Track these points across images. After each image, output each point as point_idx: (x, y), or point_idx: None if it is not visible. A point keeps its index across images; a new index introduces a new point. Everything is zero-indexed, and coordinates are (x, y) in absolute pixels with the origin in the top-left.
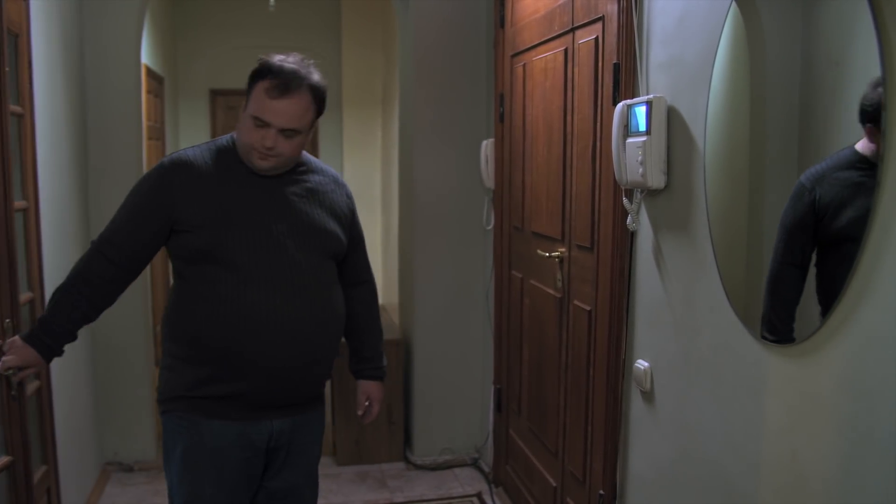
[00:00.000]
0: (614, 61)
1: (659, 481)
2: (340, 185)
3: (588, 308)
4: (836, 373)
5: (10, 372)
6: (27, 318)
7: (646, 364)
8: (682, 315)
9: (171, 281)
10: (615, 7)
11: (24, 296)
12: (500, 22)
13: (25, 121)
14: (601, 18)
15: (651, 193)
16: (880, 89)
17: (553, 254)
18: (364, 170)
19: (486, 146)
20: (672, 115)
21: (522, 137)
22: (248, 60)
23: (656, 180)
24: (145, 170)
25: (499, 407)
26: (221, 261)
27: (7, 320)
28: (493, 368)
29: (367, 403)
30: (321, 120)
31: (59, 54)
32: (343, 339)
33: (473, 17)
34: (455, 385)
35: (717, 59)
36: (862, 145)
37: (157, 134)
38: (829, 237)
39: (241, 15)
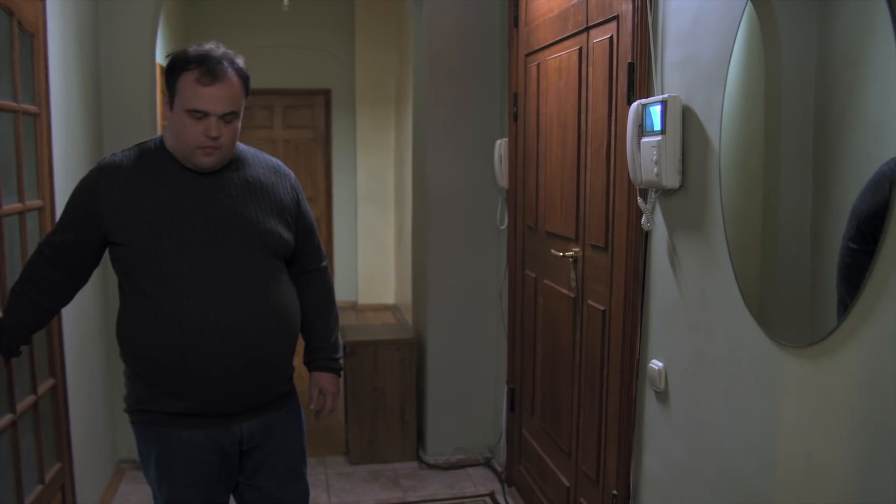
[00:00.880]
0: (629, 60)
1: (673, 481)
2: (282, 176)
3: (602, 308)
4: (853, 373)
5: None
6: None
7: (660, 364)
8: (696, 315)
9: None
10: (630, 6)
11: None
12: (514, 21)
13: (41, 120)
14: (616, 18)
15: (666, 193)
16: None
17: (567, 253)
18: (377, 169)
19: (500, 145)
20: (687, 115)
21: (536, 137)
22: (263, 60)
23: (671, 180)
24: None
25: (512, 407)
26: (158, 272)
27: None
28: (506, 368)
29: (318, 396)
30: (334, 119)
31: (75, 54)
32: None
33: (487, 17)
34: (468, 385)
35: (732, 59)
36: None
37: None
38: None
39: (255, 15)
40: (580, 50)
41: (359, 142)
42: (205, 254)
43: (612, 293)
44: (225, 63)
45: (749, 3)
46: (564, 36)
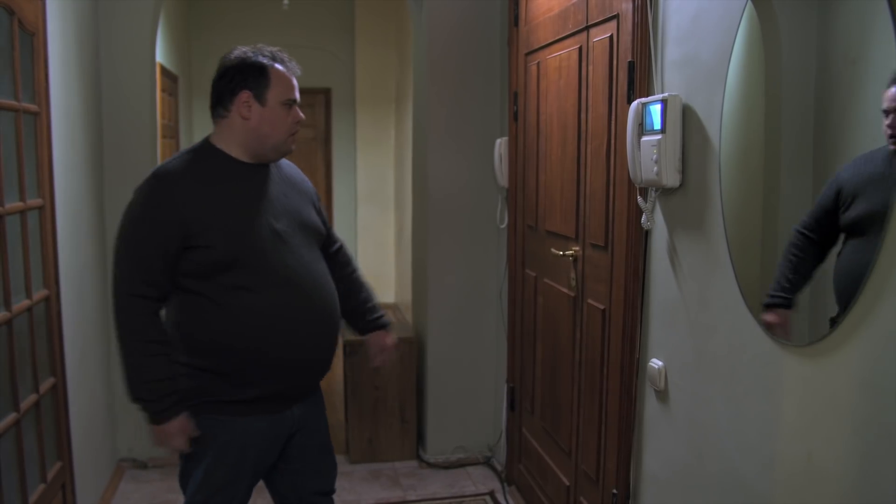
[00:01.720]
0: (629, 59)
1: (673, 481)
2: (299, 170)
3: (602, 307)
4: (853, 372)
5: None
6: (42, 315)
7: (660, 363)
8: (696, 314)
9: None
10: (630, 5)
11: (39, 294)
12: (515, 20)
13: (41, 119)
14: (616, 17)
15: (666, 192)
16: None
17: (567, 252)
18: (377, 168)
19: (500, 144)
20: (687, 114)
21: (536, 136)
22: None
23: (671, 179)
24: None
25: (512, 406)
26: (240, 269)
27: None
28: (506, 367)
29: (381, 353)
30: (334, 118)
31: (75, 53)
32: None
33: (487, 16)
34: (468, 384)
35: (732, 58)
36: None
37: (172, 132)
38: (846, 229)
39: (255, 14)
40: (580, 49)
41: (359, 141)
42: (278, 246)
43: (612, 292)
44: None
45: (749, 2)
46: (564, 35)
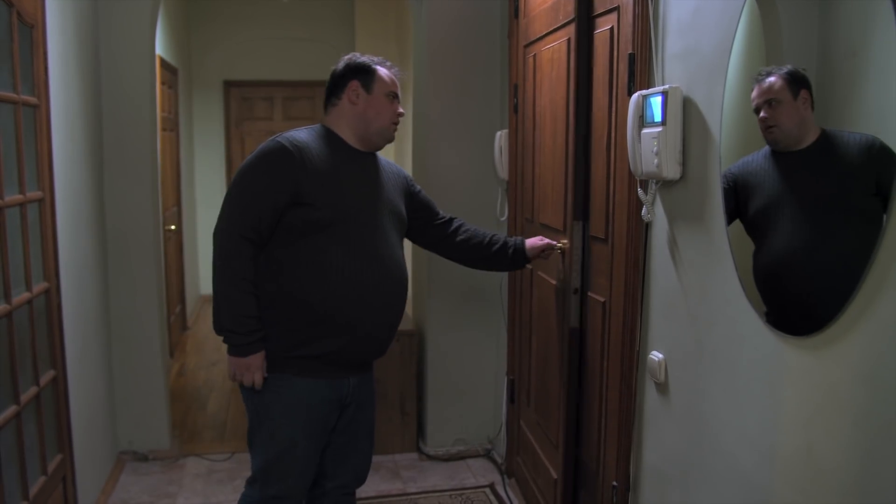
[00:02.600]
0: (629, 52)
1: (673, 473)
2: (393, 163)
3: (602, 299)
4: (854, 364)
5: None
6: (42, 308)
7: (660, 355)
8: (696, 306)
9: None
10: None
11: (39, 286)
12: (515, 12)
13: (41, 112)
14: (616, 8)
15: (666, 184)
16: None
17: (556, 246)
18: None
19: (500, 137)
20: (688, 106)
21: (532, 128)
22: (262, 52)
23: (671, 171)
24: (160, 160)
25: (512, 398)
26: (335, 232)
27: None
28: (506, 360)
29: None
30: None
31: (74, 46)
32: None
33: (486, 9)
34: (468, 376)
35: (733, 50)
36: None
37: (171, 125)
38: (749, 227)
39: (255, 6)
40: (568, 41)
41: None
42: (370, 221)
43: (612, 284)
44: None
45: None
46: (556, 27)
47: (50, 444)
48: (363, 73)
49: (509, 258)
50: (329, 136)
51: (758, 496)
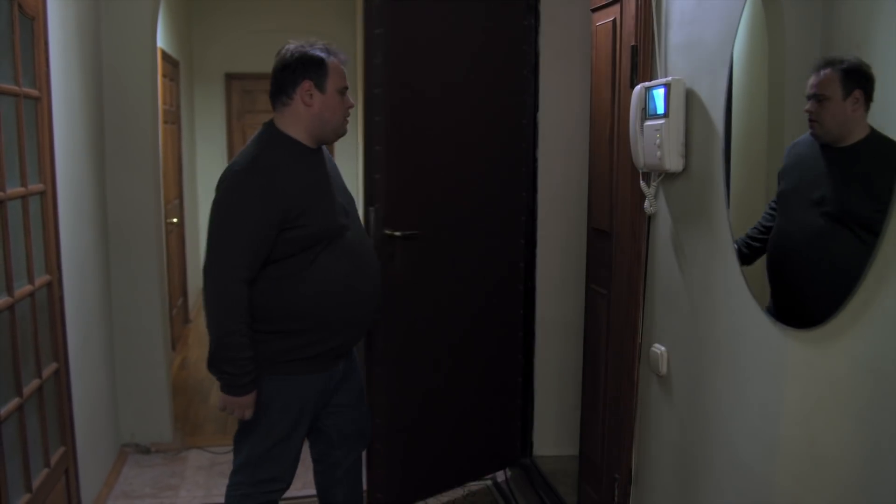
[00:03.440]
0: (632, 44)
1: (675, 465)
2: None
3: (604, 292)
4: (856, 357)
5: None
6: (44, 301)
7: (662, 348)
8: (699, 299)
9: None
10: None
11: (41, 279)
12: None
13: (42, 104)
14: (619, 0)
15: (669, 177)
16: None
17: None
18: None
19: None
20: (691, 98)
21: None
22: (264, 45)
23: (674, 163)
24: (161, 153)
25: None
26: (319, 241)
27: None
28: None
29: None
30: None
31: (75, 38)
32: None
33: None
34: None
35: (736, 42)
36: None
37: (173, 118)
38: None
39: None
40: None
41: (360, 126)
42: (342, 220)
43: (614, 277)
44: None
45: None
46: None
47: (52, 436)
48: (315, 69)
49: None
50: (284, 143)
51: (759, 488)
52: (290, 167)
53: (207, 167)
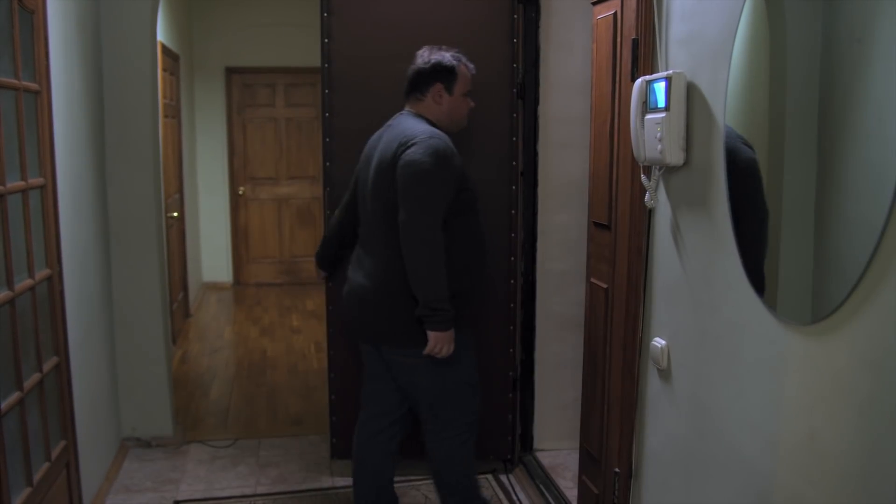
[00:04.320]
0: (633, 37)
1: (675, 459)
2: None
3: (605, 286)
4: (857, 351)
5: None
6: (45, 295)
7: (663, 342)
8: (700, 293)
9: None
10: None
11: (42, 273)
12: None
13: (42, 98)
14: None
15: (669, 170)
16: None
17: None
18: None
19: None
20: (691, 91)
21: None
22: (264, 39)
23: (675, 157)
24: (161, 147)
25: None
26: (473, 206)
27: None
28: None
29: None
30: None
31: (75, 31)
32: None
33: None
34: None
35: (737, 35)
36: None
37: (173, 112)
38: None
39: None
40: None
41: None
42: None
43: (615, 271)
44: None
45: None
46: None
47: (53, 430)
48: (446, 75)
49: None
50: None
51: (760, 482)
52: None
53: (207, 162)
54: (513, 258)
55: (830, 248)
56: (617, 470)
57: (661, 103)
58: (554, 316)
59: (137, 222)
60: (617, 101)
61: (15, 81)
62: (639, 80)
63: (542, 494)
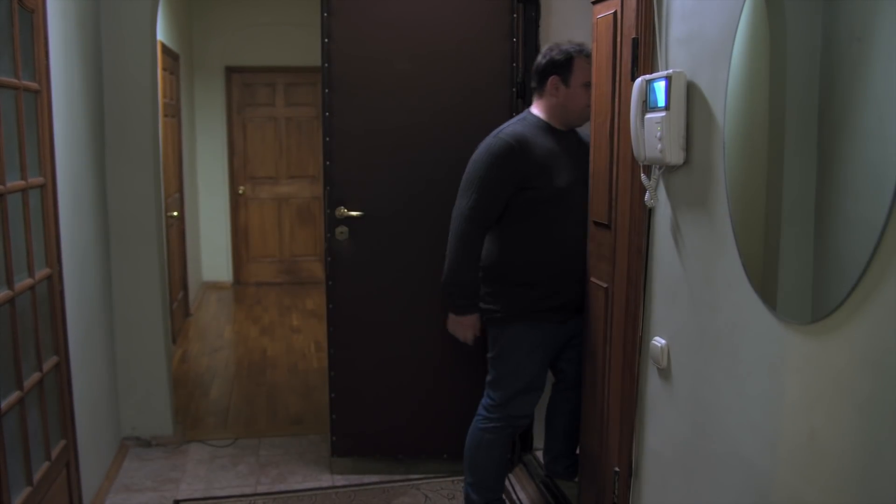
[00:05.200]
0: (633, 36)
1: (675, 458)
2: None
3: (605, 285)
4: (858, 350)
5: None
6: (45, 294)
7: (662, 341)
8: (699, 292)
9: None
10: None
11: (41, 272)
12: None
13: (42, 97)
14: None
15: (670, 170)
16: None
17: None
18: None
19: None
20: (692, 91)
21: None
22: (265, 38)
23: (675, 156)
24: (161, 146)
25: None
26: (552, 206)
27: None
28: None
29: None
30: None
31: (75, 30)
32: None
33: None
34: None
35: (737, 35)
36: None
37: (173, 111)
38: None
39: None
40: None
41: None
42: (570, 191)
43: (615, 270)
44: None
45: None
46: None
47: (53, 429)
48: (562, 68)
49: None
50: (538, 123)
51: (760, 481)
52: (538, 140)
53: (207, 161)
54: None
55: (830, 248)
56: (617, 469)
57: (661, 102)
58: None
59: (137, 222)
60: (617, 100)
61: (15, 81)
62: (639, 80)
63: (542, 493)
